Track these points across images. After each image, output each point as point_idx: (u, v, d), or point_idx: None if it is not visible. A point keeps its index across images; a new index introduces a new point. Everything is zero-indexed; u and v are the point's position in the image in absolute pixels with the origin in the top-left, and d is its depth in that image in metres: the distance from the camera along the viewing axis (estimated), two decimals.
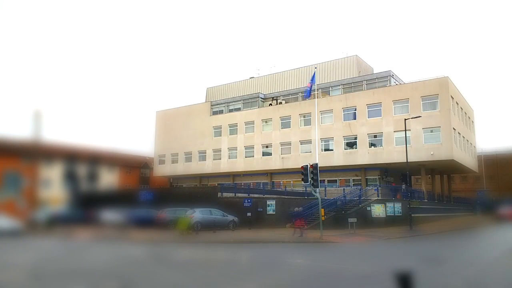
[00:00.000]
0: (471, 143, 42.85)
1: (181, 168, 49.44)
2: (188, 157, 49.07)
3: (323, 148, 39.30)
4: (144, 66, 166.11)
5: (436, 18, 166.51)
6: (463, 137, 38.58)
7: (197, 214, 24.53)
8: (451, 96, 34.65)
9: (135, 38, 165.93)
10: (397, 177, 39.41)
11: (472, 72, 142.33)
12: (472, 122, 45.15)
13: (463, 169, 42.41)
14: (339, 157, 38.10)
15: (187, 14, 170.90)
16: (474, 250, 18.22)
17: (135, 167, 50.52)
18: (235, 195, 30.26)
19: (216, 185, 39.36)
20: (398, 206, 29.85)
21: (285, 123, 42.19)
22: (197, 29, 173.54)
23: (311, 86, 30.32)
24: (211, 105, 49.19)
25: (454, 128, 34.41)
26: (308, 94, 30.62)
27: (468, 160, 40.61)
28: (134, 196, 29.90)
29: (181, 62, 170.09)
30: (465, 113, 40.78)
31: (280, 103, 44.26)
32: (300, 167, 22.29)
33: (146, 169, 53.82)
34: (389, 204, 29.48)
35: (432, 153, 33.79)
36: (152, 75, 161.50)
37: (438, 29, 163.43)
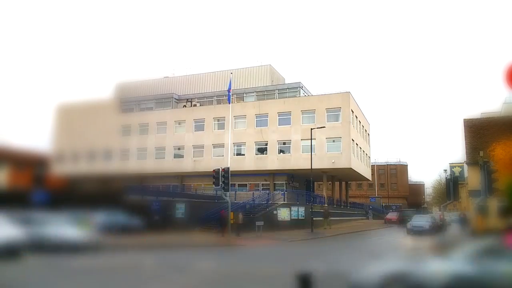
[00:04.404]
0: (366, 154, 47.43)
1: (84, 167, 45.81)
2: (93, 156, 45.72)
3: (235, 152, 39.97)
4: (46, 54, 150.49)
5: (344, 34, 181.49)
6: (360, 147, 42.55)
7: (99, 217, 22.99)
8: (352, 110, 38.02)
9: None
10: (302, 183, 41.83)
11: (370, 89, 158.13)
12: (368, 134, 50.02)
13: (359, 177, 46.73)
14: (250, 162, 39.13)
15: (103, 10, 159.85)
16: (362, 250, 20.32)
17: (29, 164, 45.40)
18: (142, 198, 29.12)
19: (122, 186, 37.31)
20: (301, 210, 31.71)
21: (199, 126, 41.96)
22: (118, 23, 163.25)
23: (229, 92, 31.42)
24: (120, 102, 46.57)
25: (353, 139, 37.77)
26: (229, 99, 31.96)
27: (363, 169, 44.86)
28: (25, 197, 26.83)
29: (86, 51, 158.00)
30: (363, 126, 45.04)
31: (195, 105, 43.93)
32: (212, 170, 22.43)
33: (42, 167, 48.71)
34: (294, 208, 31.16)
35: (333, 161, 36.59)
36: (55, 63, 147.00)
37: (344, 45, 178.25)
